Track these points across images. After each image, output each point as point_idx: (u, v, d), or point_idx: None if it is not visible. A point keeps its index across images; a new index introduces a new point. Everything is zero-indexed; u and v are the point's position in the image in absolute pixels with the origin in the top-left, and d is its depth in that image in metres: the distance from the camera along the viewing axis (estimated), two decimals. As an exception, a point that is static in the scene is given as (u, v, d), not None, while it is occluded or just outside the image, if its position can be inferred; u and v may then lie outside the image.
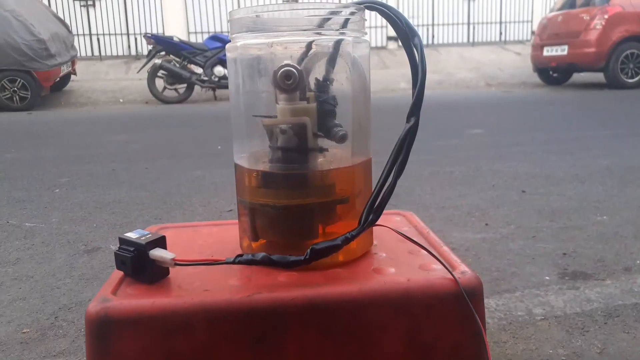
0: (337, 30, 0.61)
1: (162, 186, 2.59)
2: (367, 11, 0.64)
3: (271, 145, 0.62)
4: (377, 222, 0.62)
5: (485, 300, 1.24)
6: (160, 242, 0.60)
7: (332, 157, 0.64)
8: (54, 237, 1.88)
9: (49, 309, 1.33)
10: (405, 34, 0.61)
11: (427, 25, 10.94)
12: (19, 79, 6.21)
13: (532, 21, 11.14)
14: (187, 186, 2.49)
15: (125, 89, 7.66)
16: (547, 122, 4.46)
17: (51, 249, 1.77)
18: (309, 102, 0.62)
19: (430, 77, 8.39)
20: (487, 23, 11.13)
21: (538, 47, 7.32)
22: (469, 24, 11.06)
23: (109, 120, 5.49)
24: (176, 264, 0.58)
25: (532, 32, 10.67)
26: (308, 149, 0.61)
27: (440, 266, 0.59)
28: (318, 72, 0.63)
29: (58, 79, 6.85)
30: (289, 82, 0.58)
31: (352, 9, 0.62)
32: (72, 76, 7.56)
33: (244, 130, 0.63)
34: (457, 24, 11.02)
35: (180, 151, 3.53)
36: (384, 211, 0.83)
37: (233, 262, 0.56)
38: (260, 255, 0.56)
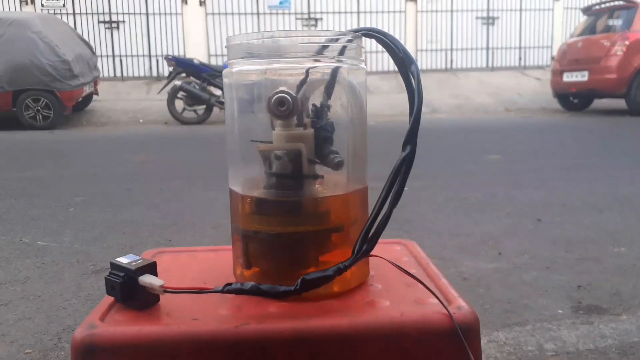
0: (334, 57, 0.61)
1: (175, 207, 2.61)
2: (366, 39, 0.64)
3: (266, 171, 0.61)
4: (374, 252, 0.61)
5: (495, 334, 1.20)
6: (151, 268, 0.59)
7: (328, 184, 0.63)
8: (64, 256, 1.89)
9: (53, 330, 1.33)
10: (402, 61, 0.60)
11: (446, 50, 10.97)
12: (42, 99, 6.36)
13: (552, 47, 11.11)
14: (199, 208, 2.49)
15: (145, 109, 7.79)
16: (566, 148, 4.40)
17: (61, 268, 1.78)
18: (305, 128, 0.61)
19: (448, 102, 8.37)
20: (506, 48, 11.13)
21: (558, 73, 7.27)
22: (487, 48, 11.06)
23: (128, 140, 5.57)
24: (165, 291, 0.57)
25: (552, 58, 10.63)
26: (303, 175, 0.60)
27: (436, 300, 0.57)
28: (316, 99, 0.62)
29: (80, 98, 7.00)
30: (282, 108, 0.57)
31: (349, 37, 0.61)
32: (94, 96, 7.72)
33: (239, 155, 0.63)
34: (476, 48, 11.04)
35: (195, 172, 3.55)
36: (384, 240, 0.81)
37: (221, 291, 0.55)
38: (249, 284, 0.55)
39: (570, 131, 5.59)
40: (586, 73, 6.83)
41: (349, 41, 0.62)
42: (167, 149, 4.87)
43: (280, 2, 10.45)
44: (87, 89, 7.04)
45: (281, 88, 0.57)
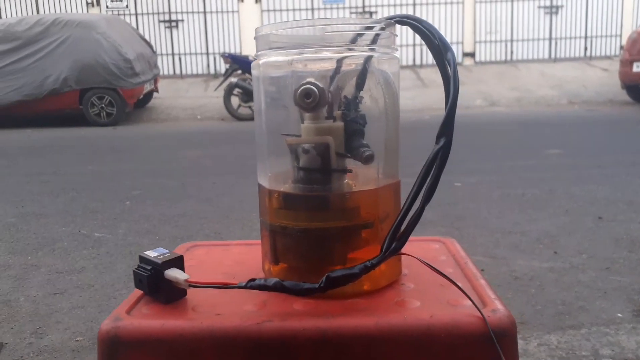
0: (367, 46, 0.58)
1: (227, 201, 2.64)
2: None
3: (294, 165, 0.59)
4: (407, 250, 0.58)
5: (547, 337, 1.14)
6: (177, 262, 0.59)
7: (358, 178, 0.60)
8: (118, 247, 1.96)
9: (103, 318, 1.37)
10: (438, 49, 0.57)
11: (506, 41, 10.61)
12: (106, 96, 6.64)
13: (621, 35, 10.51)
14: (249, 202, 2.52)
15: (203, 106, 7.98)
16: (634, 143, 4.15)
17: (114, 259, 1.84)
18: (335, 121, 0.59)
19: (508, 95, 8.09)
20: (570, 38, 10.63)
21: (627, 63, 6.87)
22: (550, 39, 10.61)
23: (185, 136, 5.72)
24: (190, 286, 0.56)
25: (621, 47, 10.06)
26: (331, 169, 0.58)
27: (470, 302, 0.53)
28: (347, 90, 0.60)
29: (142, 96, 7.26)
30: (308, 100, 0.55)
31: (382, 24, 0.59)
32: (155, 93, 7.98)
33: (267, 149, 0.61)
34: (538, 39, 10.60)
35: (248, 167, 3.59)
36: (422, 237, 0.78)
37: (244, 287, 0.54)
38: (273, 281, 0.53)
39: (639, 125, 5.27)
40: (659, 62, 6.42)
41: (382, 29, 0.59)
42: (222, 144, 4.96)
43: (335, -3, 10.42)
44: (147, 87, 7.29)
45: (308, 79, 0.55)
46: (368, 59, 0.59)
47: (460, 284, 0.60)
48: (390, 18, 0.60)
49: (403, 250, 0.56)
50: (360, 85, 0.60)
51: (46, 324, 1.35)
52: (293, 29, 0.58)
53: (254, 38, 0.61)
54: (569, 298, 1.33)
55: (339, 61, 0.59)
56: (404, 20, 0.60)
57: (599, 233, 1.84)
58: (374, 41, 0.59)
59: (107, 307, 1.46)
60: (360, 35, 0.59)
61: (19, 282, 1.65)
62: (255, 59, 0.62)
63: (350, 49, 0.58)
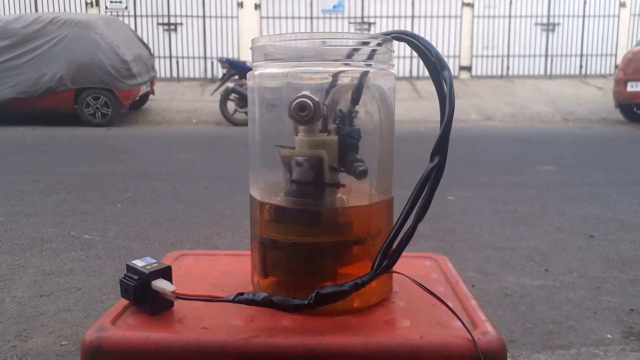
0: (362, 61, 0.58)
1: (218, 206, 2.63)
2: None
3: (287, 178, 0.59)
4: (398, 267, 0.57)
5: (535, 355, 1.14)
6: (165, 273, 0.58)
7: (351, 193, 0.60)
8: (107, 250, 1.94)
9: (89, 323, 1.35)
10: (434, 66, 0.56)
11: (502, 56, 10.69)
12: (102, 97, 6.62)
13: (616, 55, 10.62)
14: (241, 208, 2.51)
15: (199, 109, 7.97)
16: (626, 162, 4.18)
17: (103, 262, 1.82)
18: (330, 134, 0.59)
19: (503, 109, 8.14)
20: (566, 55, 10.72)
21: (621, 82, 6.93)
22: (546, 55, 10.69)
23: (180, 139, 5.70)
24: (177, 297, 0.56)
25: (616, 66, 10.16)
26: (324, 183, 0.57)
27: (461, 322, 0.53)
28: (342, 103, 0.60)
29: (137, 97, 7.24)
30: (303, 113, 0.55)
31: (379, 40, 0.58)
32: (151, 95, 7.96)
33: (260, 160, 0.61)
34: (534, 55, 10.69)
35: (241, 172, 3.58)
36: (414, 253, 0.78)
37: (232, 301, 0.53)
38: (261, 295, 0.53)
39: (633, 144, 5.31)
40: (652, 83, 6.48)
41: (379, 45, 0.59)
42: (217, 148, 4.95)
43: (334, 6, 10.46)
44: (144, 89, 7.27)
45: (303, 92, 0.55)
46: (364, 74, 0.59)
47: (451, 304, 0.60)
48: (387, 34, 0.60)
49: (394, 267, 0.56)
50: (355, 100, 0.59)
51: (31, 327, 1.33)
52: (290, 42, 0.58)
53: (250, 49, 0.60)
54: (559, 317, 1.33)
55: (335, 75, 0.59)
56: (401, 36, 0.60)
57: (589, 252, 1.85)
58: (370, 56, 0.59)
59: (94, 311, 1.44)
60: (356, 50, 0.58)
61: (5, 282, 1.63)
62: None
63: (346, 64, 0.58)
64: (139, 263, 0.58)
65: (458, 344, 0.50)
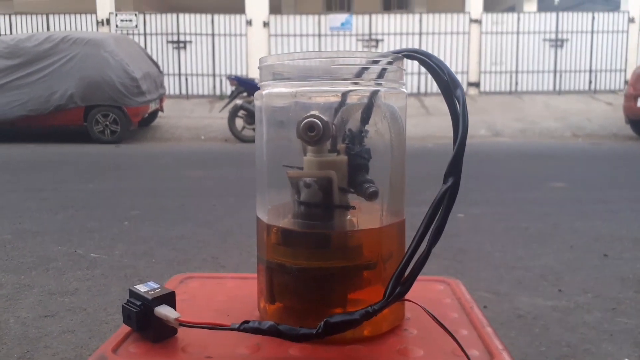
0: (372, 80, 0.56)
1: (226, 224, 2.61)
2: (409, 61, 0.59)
3: (295, 199, 0.57)
4: (410, 292, 0.55)
5: (551, 381, 1.10)
6: (169, 299, 0.56)
7: (361, 216, 0.58)
8: (113, 270, 1.92)
9: (93, 345, 1.33)
10: (447, 85, 0.55)
11: (511, 72, 10.68)
12: (111, 114, 6.66)
13: (625, 70, 10.58)
14: (249, 226, 2.49)
15: (207, 126, 8.00)
16: (638, 178, 4.12)
17: (109, 281, 1.80)
18: (339, 154, 0.57)
19: (512, 125, 8.10)
20: (575, 71, 10.70)
21: (631, 98, 6.88)
22: (555, 71, 10.67)
23: (188, 156, 5.71)
24: (180, 325, 0.53)
25: (626, 82, 10.11)
26: (333, 205, 0.55)
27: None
28: (352, 123, 0.58)
29: (147, 114, 7.28)
30: (312, 133, 0.53)
31: (389, 58, 0.57)
32: (160, 113, 8.01)
33: (267, 181, 0.59)
34: (543, 71, 10.67)
35: (249, 190, 3.57)
36: (425, 277, 0.75)
37: (237, 329, 0.51)
38: (268, 324, 0.50)
39: (644, 160, 5.25)
40: (663, 98, 6.43)
41: (389, 63, 0.57)
42: (225, 165, 4.95)
43: (342, 24, 10.54)
44: (153, 106, 7.32)
45: (312, 112, 0.53)
46: (374, 93, 0.57)
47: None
48: (398, 52, 0.58)
49: (406, 293, 0.53)
50: (365, 119, 0.58)
51: (34, 348, 1.31)
52: (298, 61, 0.56)
53: (258, 68, 0.59)
54: (574, 340, 1.29)
55: (344, 94, 0.57)
56: (412, 54, 0.58)
57: (604, 271, 1.80)
58: (380, 75, 0.57)
59: (98, 332, 1.42)
60: (366, 69, 0.57)
61: (10, 302, 1.61)
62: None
63: (356, 83, 0.56)
64: (142, 288, 0.56)
65: (475, 376, 0.47)
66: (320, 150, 0.56)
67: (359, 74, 0.56)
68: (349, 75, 0.56)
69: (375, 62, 0.58)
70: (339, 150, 0.57)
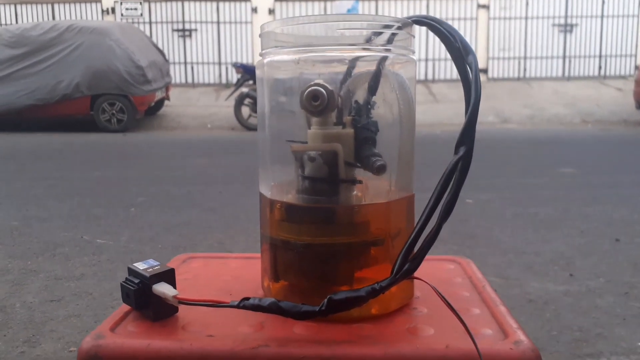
0: (381, 46, 0.53)
1: (232, 211, 2.60)
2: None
3: (299, 174, 0.55)
4: (420, 271, 0.52)
5: (563, 365, 1.07)
6: (168, 276, 0.54)
7: (368, 190, 0.55)
8: (119, 255, 1.91)
9: (98, 329, 1.32)
10: (458, 52, 0.52)
11: (519, 58, 10.56)
12: (117, 103, 6.65)
13: (635, 55, 10.43)
14: (255, 212, 2.47)
15: (213, 115, 7.98)
16: (650, 163, 4.06)
17: (114, 267, 1.79)
18: (345, 127, 0.54)
19: (520, 112, 8.02)
20: (585, 56, 10.55)
21: (642, 83, 6.79)
22: (564, 57, 10.54)
23: (194, 144, 5.70)
24: (179, 302, 0.51)
25: (636, 67, 9.97)
26: (338, 180, 0.53)
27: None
28: (358, 94, 0.55)
29: (153, 103, 7.27)
30: (316, 103, 0.50)
31: (398, 24, 0.54)
32: (166, 101, 7.99)
33: (270, 156, 0.56)
34: (552, 57, 10.54)
35: (255, 177, 3.56)
36: (437, 256, 0.73)
37: (236, 307, 0.49)
38: (268, 301, 0.48)
39: (655, 145, 5.18)
40: (675, 83, 6.33)
41: (398, 28, 0.54)
42: (231, 153, 4.93)
43: (348, 10, 10.44)
44: (159, 94, 7.30)
45: (316, 81, 0.51)
46: (382, 60, 0.54)
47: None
48: (407, 18, 0.55)
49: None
50: (373, 89, 0.55)
51: (40, 332, 1.30)
52: (301, 25, 0.53)
53: (259, 35, 0.56)
54: (586, 324, 1.26)
55: (351, 62, 0.54)
56: (422, 20, 0.55)
57: (616, 256, 1.77)
58: (389, 41, 0.54)
59: (104, 317, 1.40)
60: (374, 34, 0.54)
61: (16, 287, 1.61)
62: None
63: (363, 49, 0.53)
64: (140, 266, 0.54)
65: (488, 355, 0.45)
66: (325, 122, 0.54)
67: (366, 39, 0.53)
68: (355, 40, 0.53)
69: (385, 26, 0.55)
70: (345, 122, 0.55)
